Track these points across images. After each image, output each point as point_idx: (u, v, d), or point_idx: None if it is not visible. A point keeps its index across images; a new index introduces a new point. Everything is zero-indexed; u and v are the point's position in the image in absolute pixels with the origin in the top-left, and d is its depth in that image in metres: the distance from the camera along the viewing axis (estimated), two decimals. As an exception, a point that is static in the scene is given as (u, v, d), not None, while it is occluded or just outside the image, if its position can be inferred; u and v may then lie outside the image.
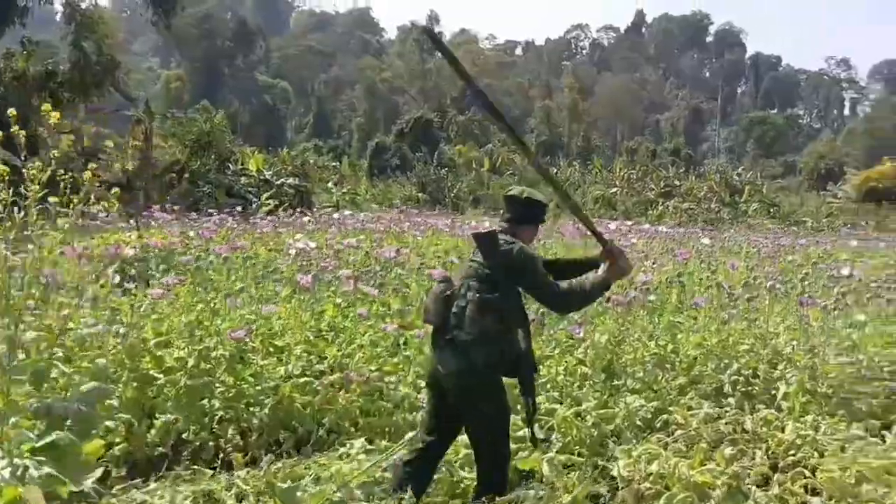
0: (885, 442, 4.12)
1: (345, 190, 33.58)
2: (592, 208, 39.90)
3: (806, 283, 6.62)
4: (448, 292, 3.37)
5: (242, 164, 28.32)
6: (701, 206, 34.15)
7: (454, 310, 3.31)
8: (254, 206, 22.38)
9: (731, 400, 4.74)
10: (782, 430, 4.26)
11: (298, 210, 18.54)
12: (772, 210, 42.41)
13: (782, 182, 61.90)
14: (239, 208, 16.51)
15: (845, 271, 6.79)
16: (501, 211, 3.71)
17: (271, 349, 4.81)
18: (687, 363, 5.13)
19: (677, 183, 49.10)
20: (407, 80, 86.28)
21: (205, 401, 4.35)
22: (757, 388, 4.87)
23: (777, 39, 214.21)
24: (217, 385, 4.41)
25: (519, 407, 3.88)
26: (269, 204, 22.20)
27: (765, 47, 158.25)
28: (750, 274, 6.87)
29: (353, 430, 4.63)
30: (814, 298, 5.58)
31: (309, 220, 12.22)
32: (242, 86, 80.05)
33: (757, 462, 4.00)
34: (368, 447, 4.12)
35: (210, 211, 12.24)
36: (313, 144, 64.17)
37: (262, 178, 27.25)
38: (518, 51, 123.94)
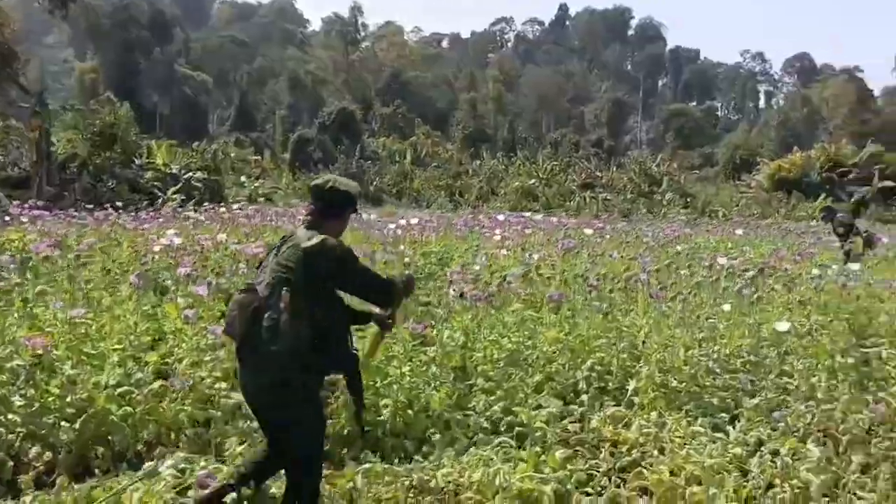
0: (728, 437, 3.99)
1: (257, 184, 32.75)
2: (513, 199, 40.11)
3: (678, 271, 6.52)
4: (256, 304, 3.03)
5: (149, 158, 27.24)
6: (618, 197, 34.63)
7: (266, 323, 2.98)
8: (160, 201, 21.56)
9: (584, 397, 4.56)
10: (629, 428, 4.10)
11: (207, 205, 17.93)
12: (688, 200, 43.44)
13: (700, 173, 63.51)
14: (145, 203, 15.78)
15: (722, 261, 6.74)
16: (307, 203, 3.41)
17: (84, 357, 4.37)
18: (544, 359, 4.92)
19: (598, 174, 49.89)
20: (332, 72, 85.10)
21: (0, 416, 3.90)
22: (612, 383, 4.71)
23: (695, 33, 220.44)
24: (16, 398, 3.97)
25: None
26: (175, 199, 21.39)
27: (684, 41, 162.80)
28: (625, 266, 6.75)
29: (183, 440, 4.25)
30: (666, 289, 5.45)
31: (184, 217, 11.63)
32: (161, 78, 77.48)
33: (600, 463, 3.82)
34: (184, 464, 3.76)
35: (88, 206, 11.55)
36: (234, 137, 62.63)
37: (169, 172, 26.30)
38: (444, 43, 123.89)
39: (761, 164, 49.54)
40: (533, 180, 44.14)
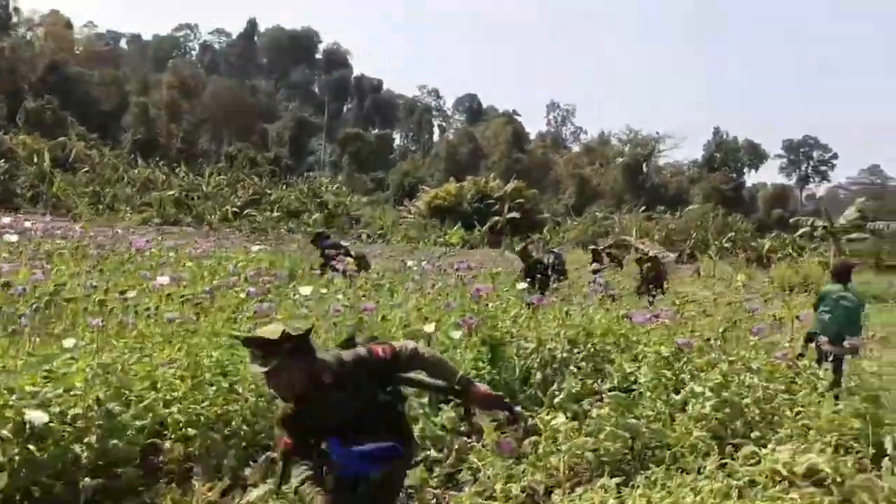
0: None
1: None
2: (167, 210, 37.53)
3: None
4: None
5: None
6: (263, 215, 33.52)
7: None
8: None
9: None
10: None
11: None
12: (353, 222, 44.13)
13: (372, 197, 65.29)
14: None
15: (162, 280, 5.43)
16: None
17: None
18: None
19: (268, 191, 48.69)
20: (-29, 58, 73.78)
21: None
22: None
23: (379, 64, 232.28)
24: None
25: None
26: None
27: (369, 70, 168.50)
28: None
29: None
30: None
31: None
32: None
33: None
34: None
35: None
36: None
37: None
38: (122, 43, 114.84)
39: (422, 192, 51.84)
40: (187, 192, 41.72)
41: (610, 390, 4.94)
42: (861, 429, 5.38)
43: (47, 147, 48.09)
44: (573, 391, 5.10)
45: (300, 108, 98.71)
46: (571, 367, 5.64)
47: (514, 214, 40.71)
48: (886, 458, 5.22)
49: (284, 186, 50.74)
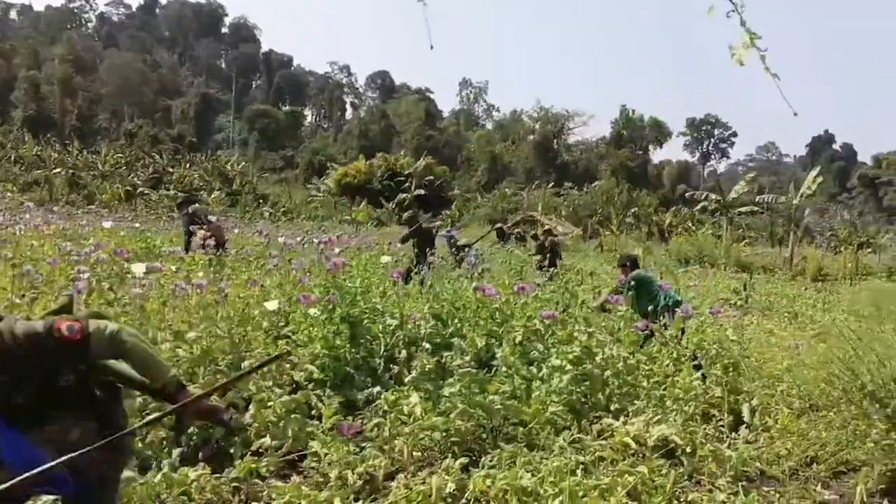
0: None
1: None
2: (58, 189, 35.62)
3: None
4: None
5: None
6: (158, 194, 32.15)
7: None
8: None
9: None
10: None
11: None
12: (259, 201, 43.01)
13: (282, 175, 63.81)
14: None
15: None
16: None
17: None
18: None
19: (170, 170, 46.88)
20: None
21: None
22: None
23: (289, 40, 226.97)
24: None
25: None
26: None
27: (278, 46, 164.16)
28: None
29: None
30: None
31: None
32: None
33: None
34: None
35: None
36: None
37: None
38: (12, 14, 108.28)
39: (331, 170, 50.82)
40: (79, 170, 39.74)
41: (462, 367, 4.71)
42: (721, 397, 5.35)
43: None
44: (427, 369, 4.85)
45: (206, 83, 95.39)
46: (425, 344, 5.37)
47: (420, 191, 40.41)
48: (743, 426, 5.21)
49: (189, 165, 49.01)
